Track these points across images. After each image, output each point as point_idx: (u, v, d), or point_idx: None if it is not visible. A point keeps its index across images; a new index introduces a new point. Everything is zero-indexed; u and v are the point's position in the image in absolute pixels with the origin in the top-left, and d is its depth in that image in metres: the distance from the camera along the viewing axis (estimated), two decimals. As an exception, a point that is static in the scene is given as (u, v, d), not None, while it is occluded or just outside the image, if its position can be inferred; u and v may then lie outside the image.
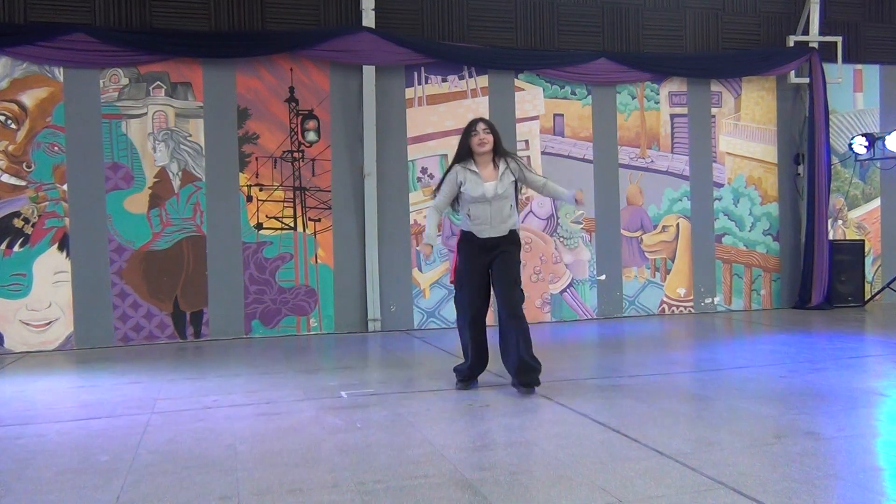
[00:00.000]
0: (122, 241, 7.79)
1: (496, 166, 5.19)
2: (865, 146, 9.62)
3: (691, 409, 4.68)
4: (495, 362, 5.50)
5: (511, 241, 5.21)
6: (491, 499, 3.13)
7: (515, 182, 5.26)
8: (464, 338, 5.30)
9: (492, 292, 5.26)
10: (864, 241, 10.00)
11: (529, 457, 3.71)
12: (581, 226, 9.12)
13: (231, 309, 8.06)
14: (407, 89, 8.59)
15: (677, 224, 9.48)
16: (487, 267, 5.20)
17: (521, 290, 5.21)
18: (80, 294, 7.67)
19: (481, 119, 5.29)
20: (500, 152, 5.22)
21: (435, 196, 5.42)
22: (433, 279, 8.64)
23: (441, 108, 8.68)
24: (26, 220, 7.57)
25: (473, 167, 5.16)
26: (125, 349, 7.60)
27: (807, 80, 9.62)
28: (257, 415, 4.69)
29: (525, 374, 5.03)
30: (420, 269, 8.62)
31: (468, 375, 5.31)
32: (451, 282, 5.43)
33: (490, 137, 5.15)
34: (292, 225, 8.26)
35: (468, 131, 5.21)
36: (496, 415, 4.60)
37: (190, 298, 7.97)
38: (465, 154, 5.20)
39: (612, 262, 9.21)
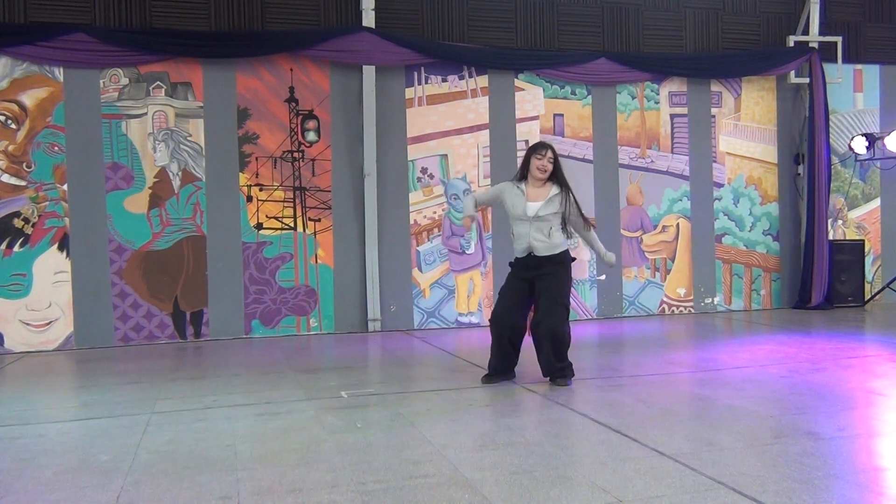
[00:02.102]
0: (122, 241, 7.79)
1: (548, 188, 5.32)
2: (865, 146, 9.61)
3: (691, 409, 4.68)
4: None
5: (557, 262, 5.30)
6: (491, 499, 3.13)
7: (563, 211, 5.34)
8: (491, 336, 5.48)
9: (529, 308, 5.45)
10: (864, 241, 10.00)
11: (529, 457, 3.71)
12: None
13: (231, 309, 8.06)
14: (407, 89, 8.59)
15: (677, 224, 9.48)
16: (528, 282, 5.33)
17: (566, 308, 5.33)
18: (80, 294, 7.67)
19: (551, 147, 5.39)
20: (556, 179, 5.35)
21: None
22: (433, 279, 8.65)
23: (441, 108, 8.68)
24: (26, 220, 7.57)
25: (523, 186, 5.35)
26: (125, 349, 7.60)
27: (807, 80, 9.62)
28: (257, 415, 4.69)
29: (549, 373, 5.34)
30: (420, 269, 8.62)
31: (490, 371, 5.50)
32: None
33: (552, 167, 5.32)
34: (292, 225, 8.26)
35: (534, 151, 5.36)
36: (496, 415, 4.60)
37: (190, 298, 7.97)
38: (524, 173, 5.39)
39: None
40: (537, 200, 5.28)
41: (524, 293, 5.34)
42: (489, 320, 5.56)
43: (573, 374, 5.39)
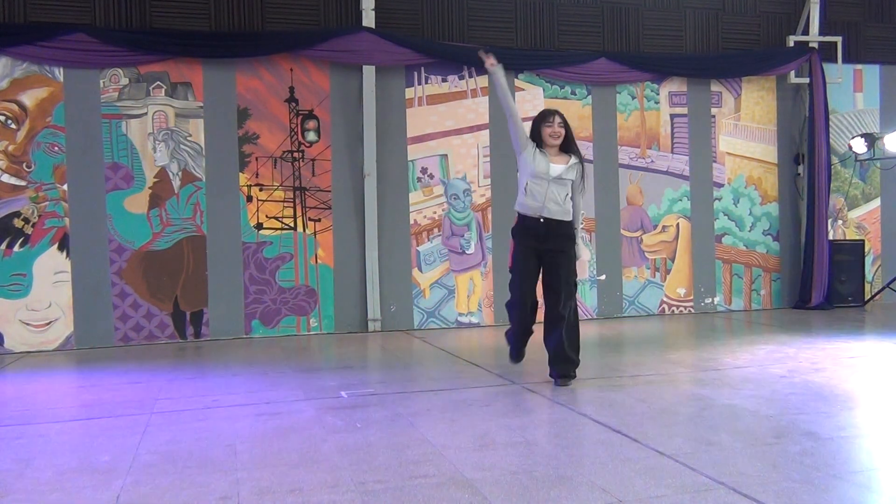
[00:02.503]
0: (122, 241, 7.78)
1: (567, 157, 5.32)
2: (864, 146, 9.60)
3: (691, 409, 4.67)
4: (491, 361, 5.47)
5: (567, 236, 5.32)
6: (491, 499, 3.13)
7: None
8: (511, 316, 5.51)
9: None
10: (864, 241, 10.00)
11: (529, 457, 3.71)
12: (581, 225, 9.09)
13: (231, 309, 8.06)
14: (407, 89, 8.59)
15: (677, 224, 9.48)
16: (538, 256, 5.30)
17: (575, 285, 5.36)
18: (80, 294, 7.67)
19: (558, 112, 5.37)
20: (571, 147, 5.35)
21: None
22: (433, 279, 8.64)
23: (441, 108, 8.68)
24: (26, 220, 7.57)
25: (544, 151, 5.30)
26: (125, 349, 7.60)
27: (807, 80, 9.62)
28: (257, 415, 4.69)
29: (559, 364, 5.30)
30: (420, 269, 8.62)
31: (514, 345, 5.53)
32: (510, 268, 5.50)
33: (563, 132, 5.29)
34: (292, 225, 8.26)
35: (542, 120, 5.32)
36: (496, 415, 4.60)
37: (190, 298, 7.97)
38: (536, 140, 5.33)
39: (612, 262, 9.21)
40: (559, 164, 5.27)
41: (536, 270, 5.34)
42: (511, 300, 5.45)
43: (575, 376, 5.39)
